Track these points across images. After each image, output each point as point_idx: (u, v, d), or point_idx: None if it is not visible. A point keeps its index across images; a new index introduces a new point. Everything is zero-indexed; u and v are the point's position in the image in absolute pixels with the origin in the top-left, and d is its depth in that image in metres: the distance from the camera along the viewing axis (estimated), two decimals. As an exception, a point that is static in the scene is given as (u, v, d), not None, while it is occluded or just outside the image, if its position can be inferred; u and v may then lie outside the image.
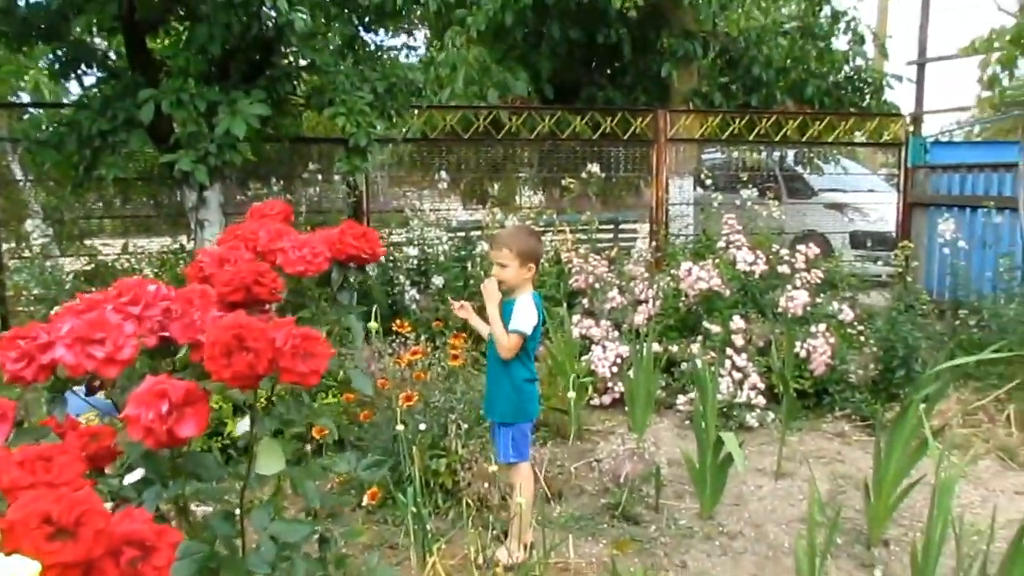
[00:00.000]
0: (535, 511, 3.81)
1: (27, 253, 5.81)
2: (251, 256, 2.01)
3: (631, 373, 4.54)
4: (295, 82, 4.61)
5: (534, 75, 8.82)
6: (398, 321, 4.26)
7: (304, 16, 3.75)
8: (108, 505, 1.84)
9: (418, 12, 10.28)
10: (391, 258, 5.88)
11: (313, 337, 1.44)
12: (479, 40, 8.63)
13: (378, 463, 2.27)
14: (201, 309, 1.57)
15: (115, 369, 1.50)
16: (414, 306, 5.43)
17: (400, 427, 2.48)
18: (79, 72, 4.50)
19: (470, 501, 3.82)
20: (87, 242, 7.02)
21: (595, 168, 6.44)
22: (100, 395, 1.74)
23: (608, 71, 9.92)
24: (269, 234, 2.04)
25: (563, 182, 6.44)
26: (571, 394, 2.54)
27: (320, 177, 6.24)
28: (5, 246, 5.92)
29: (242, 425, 1.81)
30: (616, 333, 5.59)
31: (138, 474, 1.67)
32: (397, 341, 4.74)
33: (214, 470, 1.56)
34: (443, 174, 6.26)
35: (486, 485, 3.80)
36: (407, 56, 12.03)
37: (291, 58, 4.34)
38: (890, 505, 3.50)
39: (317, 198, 6.19)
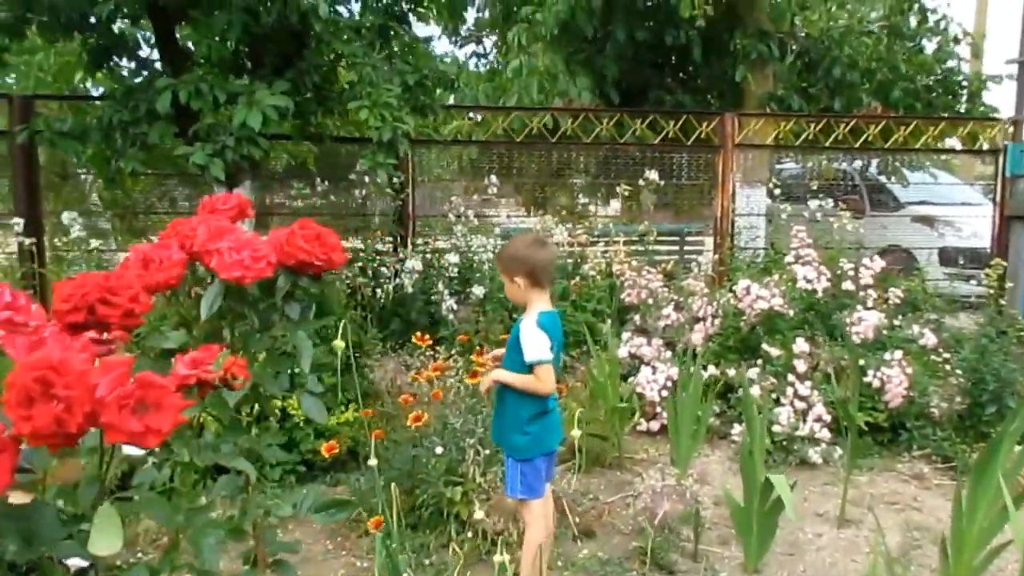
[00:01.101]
0: (556, 550, 3.43)
1: (80, 247, 5.73)
2: (183, 256, 1.72)
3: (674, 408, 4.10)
4: (331, 76, 4.35)
5: (599, 78, 8.43)
6: (418, 334, 3.92)
7: (327, 2, 3.47)
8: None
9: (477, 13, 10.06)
10: (431, 265, 5.58)
11: (155, 385, 1.09)
12: (545, 40, 8.28)
13: (338, 504, 1.94)
14: (37, 330, 1.24)
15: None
16: (451, 316, 5.10)
17: (373, 461, 2.12)
18: (111, 64, 4.34)
19: (486, 535, 3.48)
20: (152, 238, 6.96)
21: (653, 175, 6.00)
22: None
23: (678, 75, 9.45)
24: (208, 232, 1.73)
25: (618, 188, 6.03)
26: (575, 432, 2.16)
27: (367, 180, 5.98)
28: (57, 240, 5.87)
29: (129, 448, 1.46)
30: (669, 353, 5.15)
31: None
32: (426, 354, 4.43)
33: (52, 530, 1.23)
34: (493, 179, 5.93)
35: (502, 519, 3.43)
36: (476, 65, 11.84)
37: (323, 50, 4.08)
38: (973, 568, 2.97)
39: (361, 201, 5.93)
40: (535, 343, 2.72)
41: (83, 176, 6.95)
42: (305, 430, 4.13)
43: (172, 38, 4.11)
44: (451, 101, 8.08)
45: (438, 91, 4.23)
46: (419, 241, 6.02)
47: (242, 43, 3.94)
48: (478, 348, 4.16)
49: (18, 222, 5.16)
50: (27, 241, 5.19)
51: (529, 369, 2.75)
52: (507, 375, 2.85)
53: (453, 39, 11.54)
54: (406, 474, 3.70)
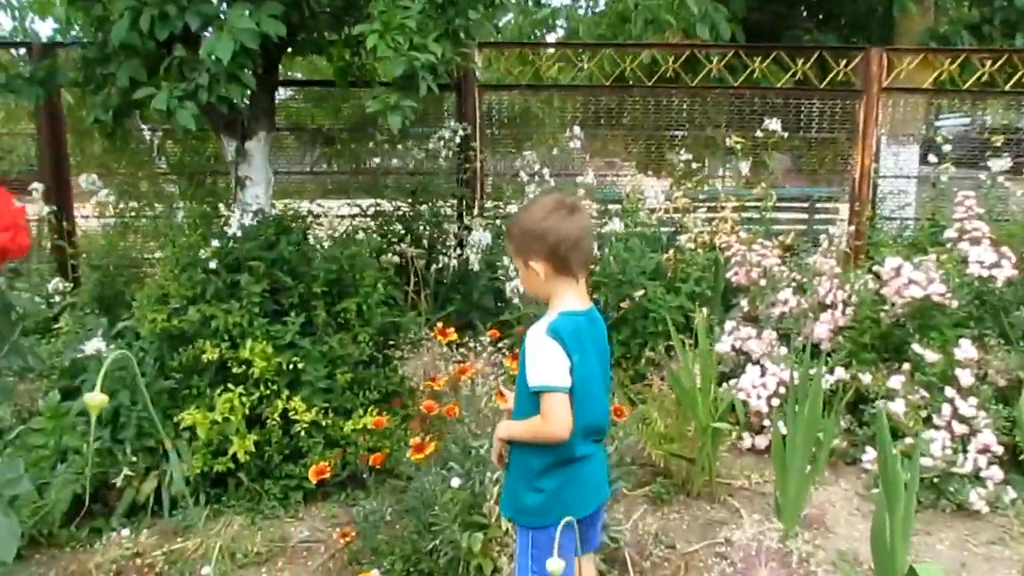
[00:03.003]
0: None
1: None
2: None
3: (785, 423, 3.05)
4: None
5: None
6: (439, 326, 3.05)
7: None
8: None
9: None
10: (499, 235, 4.68)
11: None
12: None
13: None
14: None
15: None
16: (517, 299, 4.19)
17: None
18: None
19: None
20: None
21: (775, 125, 4.85)
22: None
23: (816, 13, 8.08)
24: None
25: (729, 141, 4.92)
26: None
27: (437, 133, 5.11)
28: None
29: None
30: (783, 350, 4.08)
31: None
32: (469, 347, 3.55)
33: None
34: (576, 130, 4.95)
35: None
36: (584, 9, 10.65)
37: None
38: None
39: (422, 156, 5.06)
40: (542, 361, 1.83)
41: (147, 135, 6.46)
42: (315, 438, 3.36)
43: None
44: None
45: (479, 9, 3.29)
46: (489, 205, 5.13)
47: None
48: (513, 353, 3.24)
49: (36, 187, 4.60)
50: (46, 209, 4.65)
51: (537, 400, 1.84)
52: (507, 430, 1.98)
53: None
54: (423, 504, 2.87)
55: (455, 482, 2.70)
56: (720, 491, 3.48)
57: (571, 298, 1.91)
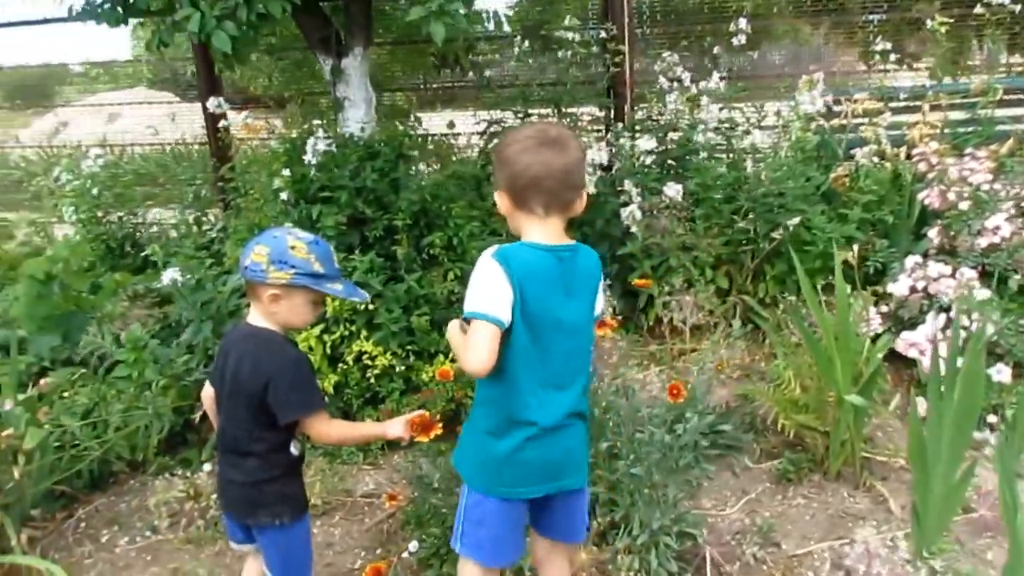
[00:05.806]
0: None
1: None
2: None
3: (926, 405, 2.29)
4: None
5: None
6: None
7: None
8: None
9: None
10: (618, 154, 4.03)
11: None
12: None
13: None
14: None
15: None
16: (635, 228, 3.61)
17: None
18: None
19: None
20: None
21: (1001, -4, 3.73)
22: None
23: None
24: None
25: (930, 23, 3.83)
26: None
27: (577, 37, 4.54)
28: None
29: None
30: (986, 292, 3.18)
31: None
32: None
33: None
34: (742, 23, 4.14)
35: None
36: None
37: None
38: None
39: (566, 65, 4.50)
40: (479, 286, 1.64)
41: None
42: (394, 382, 3.12)
43: None
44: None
45: None
46: (640, 116, 4.50)
47: None
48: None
49: (213, 103, 4.49)
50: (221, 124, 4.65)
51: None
52: (451, 328, 1.76)
53: None
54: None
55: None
56: (868, 473, 2.79)
57: (536, 234, 1.69)
